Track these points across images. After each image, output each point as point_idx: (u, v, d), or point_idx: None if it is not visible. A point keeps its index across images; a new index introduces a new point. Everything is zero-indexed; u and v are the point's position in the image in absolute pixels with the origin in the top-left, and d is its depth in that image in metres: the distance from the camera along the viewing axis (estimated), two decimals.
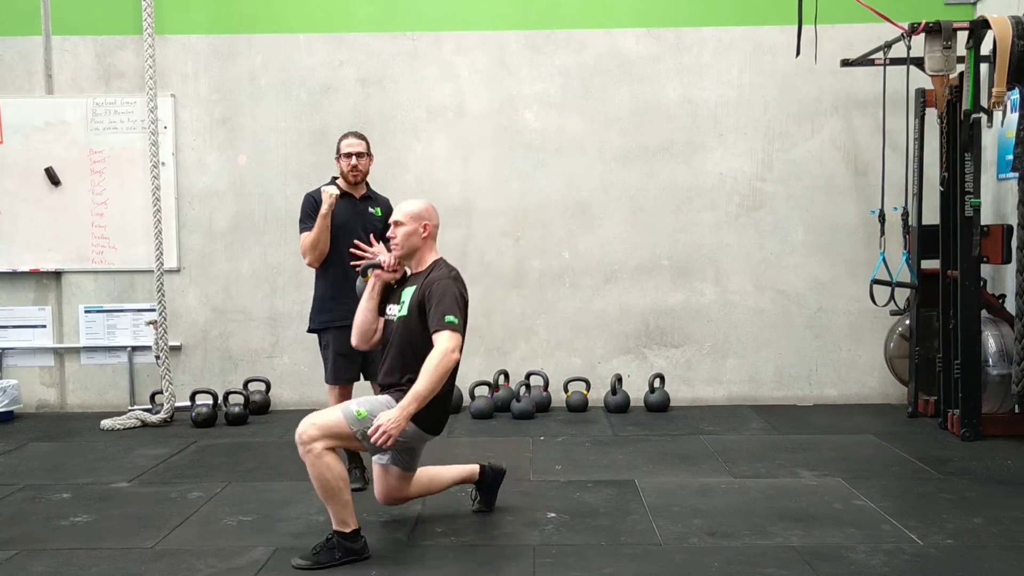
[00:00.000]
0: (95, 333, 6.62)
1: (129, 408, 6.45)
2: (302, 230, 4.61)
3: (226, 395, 6.31)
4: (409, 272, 3.96)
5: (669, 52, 6.52)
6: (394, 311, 3.85)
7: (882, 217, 5.92)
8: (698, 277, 6.58)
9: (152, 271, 6.39)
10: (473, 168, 6.58)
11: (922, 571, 3.48)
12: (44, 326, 6.62)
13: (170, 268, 6.49)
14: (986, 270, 5.78)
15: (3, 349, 6.60)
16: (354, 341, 3.98)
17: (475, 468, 4.19)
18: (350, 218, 4.58)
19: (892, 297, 5.79)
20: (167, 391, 6.30)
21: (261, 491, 4.60)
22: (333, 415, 3.64)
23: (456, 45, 6.54)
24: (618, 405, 6.35)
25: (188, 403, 6.26)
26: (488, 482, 4.20)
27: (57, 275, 6.60)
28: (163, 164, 6.44)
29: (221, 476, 4.89)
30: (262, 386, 6.53)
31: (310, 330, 4.76)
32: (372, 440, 3.47)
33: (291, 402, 6.61)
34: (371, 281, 3.91)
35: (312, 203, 4.60)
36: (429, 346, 3.64)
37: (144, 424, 6.13)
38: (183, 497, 4.51)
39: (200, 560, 3.68)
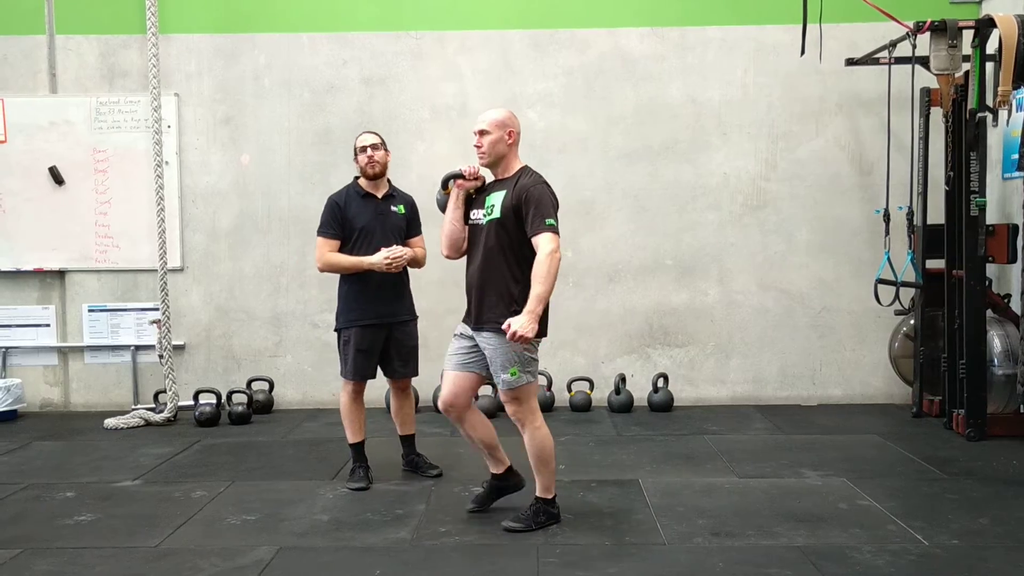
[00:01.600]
0: (99, 332, 6.63)
1: (133, 407, 6.45)
2: (321, 234, 4.65)
3: (229, 394, 6.31)
4: (494, 178, 4.02)
5: (673, 51, 6.51)
6: (480, 215, 3.95)
7: (887, 217, 5.91)
8: (702, 277, 6.57)
9: (156, 270, 6.39)
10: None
11: (927, 571, 3.47)
12: (48, 325, 6.63)
13: (174, 267, 6.50)
14: (991, 269, 5.76)
15: (7, 348, 6.61)
16: (445, 251, 4.11)
17: (508, 464, 4.20)
18: (371, 220, 4.61)
19: (897, 297, 5.77)
20: (171, 390, 6.30)
21: (265, 490, 4.60)
22: (525, 393, 3.85)
23: (460, 44, 6.54)
24: (622, 405, 6.34)
25: (192, 402, 6.27)
26: (502, 483, 4.18)
27: (61, 274, 6.60)
28: (167, 163, 6.44)
29: (225, 475, 4.89)
30: (265, 385, 6.53)
31: (336, 329, 4.75)
32: (511, 341, 3.66)
33: (294, 401, 6.61)
34: (454, 192, 4.02)
35: (335, 208, 4.64)
36: (526, 246, 3.80)
37: (148, 423, 6.13)
38: (187, 496, 4.51)
39: (204, 559, 3.68)
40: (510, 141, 3.94)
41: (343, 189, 4.74)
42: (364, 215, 4.60)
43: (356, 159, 4.70)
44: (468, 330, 3.98)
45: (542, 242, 3.74)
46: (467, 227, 4.04)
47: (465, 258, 4.08)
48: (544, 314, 3.85)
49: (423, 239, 4.82)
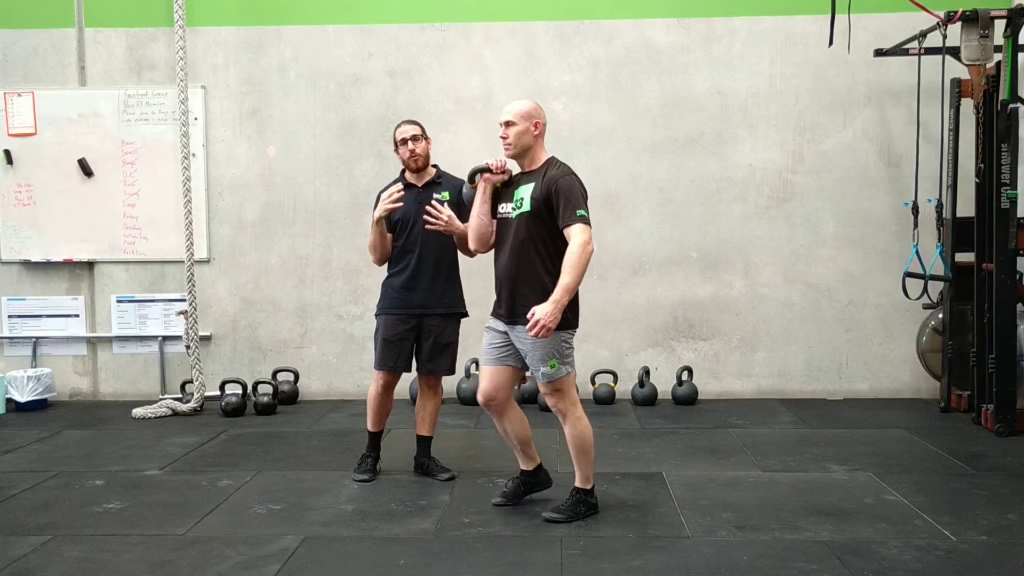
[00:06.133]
0: (127, 323, 6.70)
1: (160, 397, 6.52)
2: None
3: (255, 385, 6.36)
4: (521, 171, 4.00)
5: (699, 42, 6.46)
6: (508, 209, 3.93)
7: (915, 209, 5.85)
8: (727, 270, 6.54)
9: (183, 261, 6.44)
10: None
11: (955, 567, 3.44)
12: (77, 315, 6.71)
13: (200, 259, 6.55)
14: (1022, 263, 5.67)
15: (37, 338, 6.69)
16: (472, 245, 4.11)
17: (538, 462, 4.21)
18: (409, 209, 4.46)
19: (925, 290, 5.71)
20: (197, 380, 6.36)
21: (290, 480, 4.64)
22: (565, 384, 3.90)
23: (485, 36, 6.53)
24: (646, 398, 6.33)
25: (218, 392, 6.32)
26: (532, 479, 4.18)
27: (90, 265, 6.68)
28: (194, 155, 6.49)
29: (251, 465, 4.93)
30: (291, 376, 6.57)
31: (376, 315, 4.71)
32: (531, 334, 3.66)
33: (319, 392, 6.65)
34: (481, 185, 4.00)
35: (377, 201, 4.55)
36: (555, 237, 3.80)
37: (175, 413, 6.20)
38: (213, 485, 4.55)
39: (230, 547, 3.71)
40: (536, 132, 3.92)
41: (392, 182, 4.66)
42: (404, 207, 4.43)
43: (397, 151, 4.60)
44: (500, 324, 3.97)
45: (574, 233, 3.73)
46: (495, 221, 4.03)
47: (493, 252, 4.06)
48: (575, 304, 3.85)
49: None
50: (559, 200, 3.78)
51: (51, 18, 6.59)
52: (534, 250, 3.83)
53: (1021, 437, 5.28)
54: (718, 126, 6.48)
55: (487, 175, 4.00)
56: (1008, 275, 5.37)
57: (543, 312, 3.64)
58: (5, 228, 6.64)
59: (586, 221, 3.76)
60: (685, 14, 6.46)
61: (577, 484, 4.01)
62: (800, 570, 3.41)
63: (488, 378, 4.02)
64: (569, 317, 3.82)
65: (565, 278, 3.69)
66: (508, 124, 3.90)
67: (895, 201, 6.35)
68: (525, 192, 3.87)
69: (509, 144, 3.92)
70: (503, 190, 4.02)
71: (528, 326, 3.68)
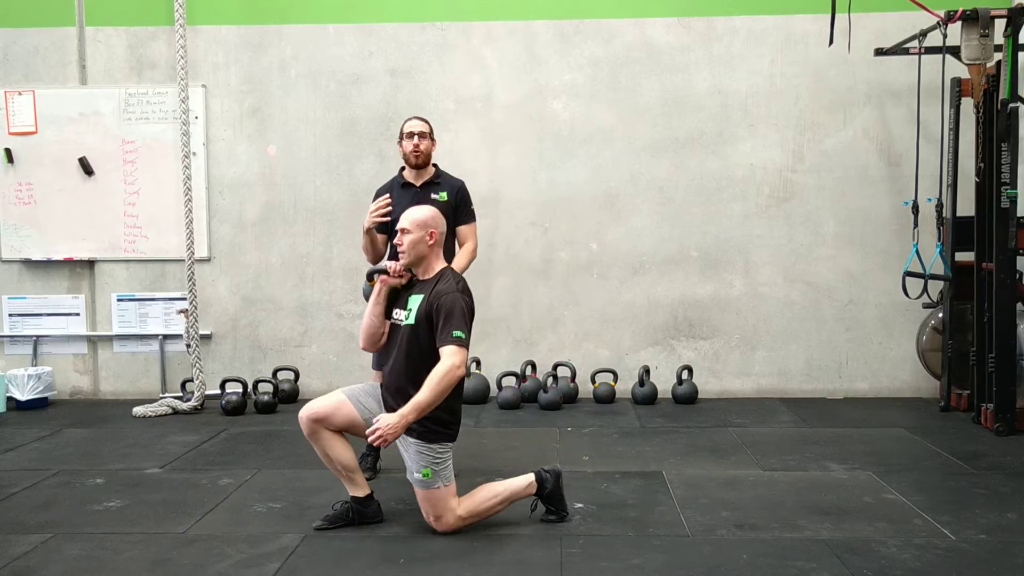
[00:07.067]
0: (127, 321, 6.70)
1: (160, 396, 6.53)
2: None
3: (255, 383, 6.36)
4: (417, 278, 3.93)
5: (700, 42, 6.47)
6: (401, 315, 3.87)
7: (915, 208, 5.85)
8: (727, 269, 6.54)
9: (183, 260, 6.45)
10: (501, 159, 6.57)
11: (954, 566, 3.44)
12: (78, 314, 6.71)
13: (201, 257, 6.55)
14: (1022, 262, 5.68)
15: (38, 337, 6.70)
16: (362, 344, 4.01)
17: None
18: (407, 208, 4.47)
19: (925, 290, 5.71)
20: (198, 379, 6.37)
21: (290, 479, 4.64)
22: (442, 500, 3.77)
23: (485, 35, 6.53)
24: (646, 397, 6.33)
25: (218, 391, 6.32)
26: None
27: (90, 264, 6.68)
28: (194, 154, 6.49)
29: (251, 463, 4.93)
30: (291, 375, 6.58)
31: None
32: (370, 440, 3.53)
33: (319, 391, 6.60)
34: (377, 286, 3.93)
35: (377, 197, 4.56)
36: (435, 356, 3.67)
37: (175, 411, 6.20)
38: (214, 484, 4.56)
39: (231, 546, 3.71)
40: (431, 242, 3.83)
41: (390, 180, 4.68)
42: (400, 205, 4.39)
43: (400, 143, 4.59)
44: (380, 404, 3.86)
45: (446, 353, 3.62)
46: (388, 323, 3.93)
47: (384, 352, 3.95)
48: (451, 419, 3.77)
49: (474, 228, 4.69)
50: (439, 317, 3.68)
51: (52, 17, 6.59)
52: (419, 363, 3.72)
53: (1021, 436, 5.29)
54: (718, 125, 6.48)
55: (384, 277, 3.90)
56: (1008, 275, 5.37)
57: (386, 422, 3.51)
58: (6, 227, 6.64)
59: (461, 343, 3.63)
60: (685, 13, 6.46)
61: (532, 494, 3.93)
62: (799, 569, 3.42)
63: (334, 403, 3.83)
64: (441, 430, 3.74)
65: (421, 394, 3.55)
66: (403, 231, 3.82)
67: (895, 200, 6.35)
68: (415, 303, 3.80)
69: (403, 252, 3.84)
70: (401, 292, 3.93)
71: (368, 431, 3.55)
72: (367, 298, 4.02)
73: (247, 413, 6.18)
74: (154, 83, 6.59)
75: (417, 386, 3.63)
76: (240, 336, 6.70)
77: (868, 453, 4.99)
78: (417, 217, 3.86)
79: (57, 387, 6.63)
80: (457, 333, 3.65)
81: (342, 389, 3.93)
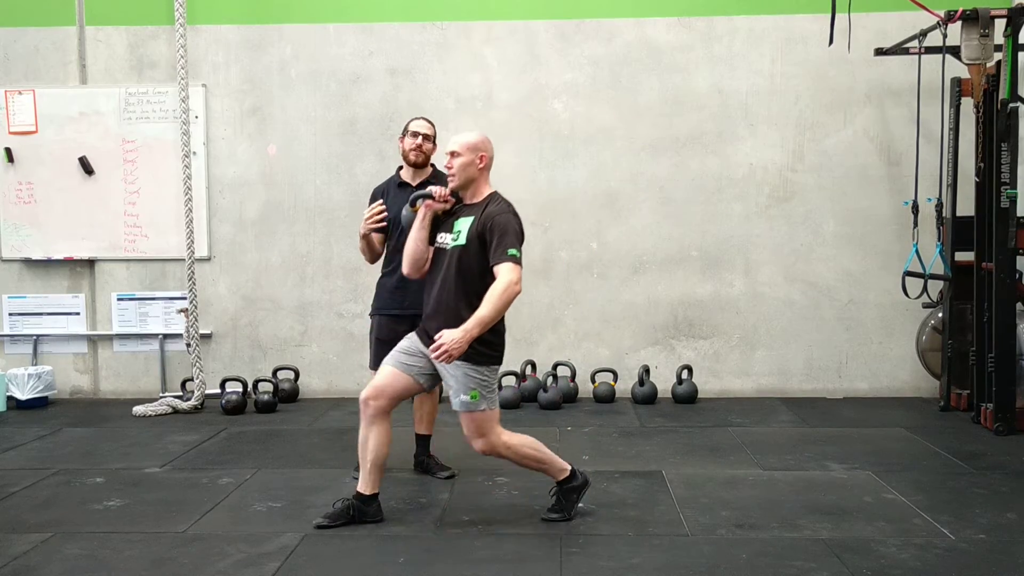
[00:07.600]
0: (127, 321, 6.71)
1: (161, 395, 6.53)
2: None
3: (255, 383, 6.36)
4: (463, 202, 3.95)
5: (700, 41, 6.47)
6: (446, 239, 3.88)
7: (915, 208, 5.85)
8: (727, 268, 6.54)
9: (183, 260, 6.45)
10: (501, 158, 6.44)
11: (954, 566, 3.44)
12: (78, 313, 6.72)
13: (201, 257, 6.55)
14: (1021, 262, 5.68)
15: (38, 336, 6.70)
16: (406, 269, 4.02)
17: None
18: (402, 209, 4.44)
19: (925, 289, 5.71)
20: (198, 378, 6.37)
21: (290, 478, 4.64)
22: (487, 422, 3.78)
23: (486, 35, 6.53)
24: (645, 396, 6.33)
25: (218, 390, 6.32)
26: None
27: (91, 263, 6.69)
28: (194, 154, 6.49)
29: (251, 463, 4.94)
30: (291, 374, 6.58)
31: (370, 315, 4.73)
32: (433, 356, 3.61)
33: (319, 390, 6.66)
34: (422, 211, 3.94)
35: (372, 199, 4.58)
36: (486, 275, 3.72)
37: (175, 411, 6.20)
38: (214, 483, 4.56)
39: (231, 545, 3.72)
40: (481, 165, 3.86)
41: (386, 180, 4.69)
42: (397, 205, 4.42)
43: (402, 139, 4.62)
44: (421, 345, 3.86)
45: (502, 271, 3.67)
46: (432, 249, 3.95)
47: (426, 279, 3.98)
48: (498, 340, 3.80)
49: None
50: (493, 237, 3.73)
51: (52, 16, 6.59)
52: (462, 285, 3.77)
53: (1020, 436, 5.29)
54: (718, 125, 6.48)
55: (429, 202, 3.91)
56: (1008, 274, 5.37)
57: (450, 337, 3.58)
58: (6, 226, 6.64)
59: (517, 261, 3.69)
60: (686, 13, 6.47)
61: (556, 480, 3.94)
62: (799, 568, 3.42)
63: (383, 376, 3.88)
64: (489, 352, 3.77)
65: (482, 310, 3.62)
66: (454, 154, 3.84)
67: (895, 200, 6.35)
68: (463, 225, 3.82)
69: (453, 175, 3.86)
70: (444, 219, 3.94)
71: (432, 347, 3.63)
72: (407, 226, 4.03)
73: (247, 412, 6.18)
74: (154, 82, 6.59)
75: (468, 304, 3.70)
76: (240, 335, 6.70)
77: (868, 453, 5.00)
78: (467, 140, 3.88)
79: (57, 386, 6.62)
80: (512, 251, 3.70)
81: (384, 361, 3.95)
